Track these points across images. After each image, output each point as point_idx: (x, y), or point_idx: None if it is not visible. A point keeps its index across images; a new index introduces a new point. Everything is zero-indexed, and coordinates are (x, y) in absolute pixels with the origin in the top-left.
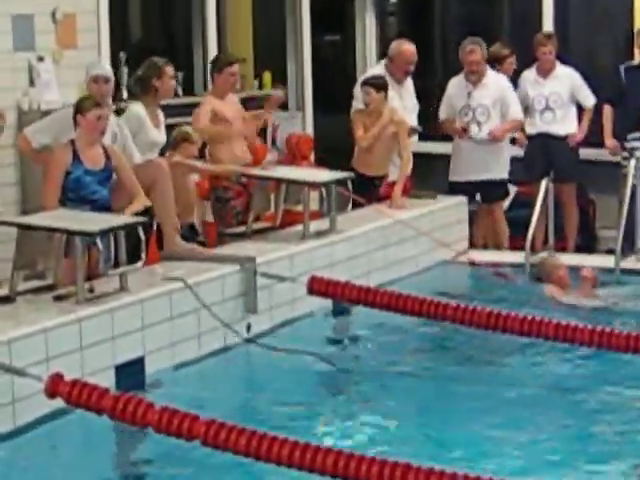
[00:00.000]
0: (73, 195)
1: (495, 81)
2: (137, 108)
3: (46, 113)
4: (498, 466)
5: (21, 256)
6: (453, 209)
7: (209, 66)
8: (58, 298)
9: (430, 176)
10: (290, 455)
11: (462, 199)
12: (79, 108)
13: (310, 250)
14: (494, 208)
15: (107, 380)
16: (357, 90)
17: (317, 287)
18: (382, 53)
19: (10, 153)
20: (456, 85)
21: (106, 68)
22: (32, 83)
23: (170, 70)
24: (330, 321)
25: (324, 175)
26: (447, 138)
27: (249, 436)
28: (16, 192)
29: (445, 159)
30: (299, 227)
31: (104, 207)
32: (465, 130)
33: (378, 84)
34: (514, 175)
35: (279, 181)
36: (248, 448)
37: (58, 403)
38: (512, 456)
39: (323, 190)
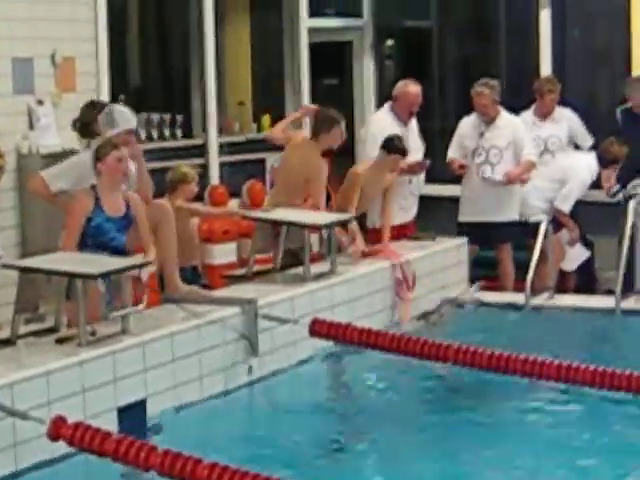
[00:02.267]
0: (92, 241)
1: (509, 122)
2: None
3: (46, 157)
4: None
5: (22, 299)
6: (453, 250)
7: None
8: (60, 341)
9: (433, 218)
10: None
11: (463, 241)
12: (98, 155)
13: (311, 292)
14: (502, 249)
15: (109, 422)
16: (369, 140)
17: (319, 329)
18: (381, 96)
19: (10, 196)
20: (469, 125)
21: (134, 121)
22: (31, 126)
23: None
24: (332, 363)
25: (325, 217)
26: (453, 180)
27: (252, 479)
28: (16, 235)
29: (449, 201)
30: (300, 269)
31: (121, 253)
32: (462, 167)
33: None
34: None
35: (279, 223)
36: None
37: (61, 447)
38: None
39: (324, 232)
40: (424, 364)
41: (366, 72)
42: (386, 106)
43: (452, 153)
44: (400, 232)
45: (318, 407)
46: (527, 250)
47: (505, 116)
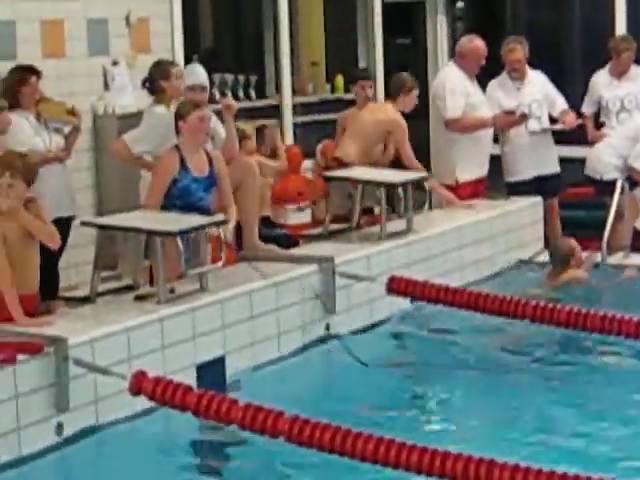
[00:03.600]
0: (180, 202)
1: (537, 76)
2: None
3: (121, 117)
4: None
5: (101, 257)
6: (528, 210)
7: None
8: (139, 298)
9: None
10: (375, 451)
11: (538, 199)
12: (179, 115)
13: (388, 250)
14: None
15: (188, 379)
16: (448, 96)
17: (396, 287)
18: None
19: (86, 157)
20: (501, 86)
21: (202, 77)
22: (107, 87)
23: (177, 71)
24: (409, 321)
25: (401, 175)
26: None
27: (334, 432)
28: (92, 195)
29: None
30: (376, 228)
31: (208, 212)
32: (524, 115)
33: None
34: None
35: (356, 182)
36: (332, 444)
37: (140, 402)
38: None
39: (400, 190)
40: (502, 321)
41: (439, 31)
42: (451, 64)
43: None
44: (475, 188)
45: (394, 365)
46: (604, 209)
47: (531, 71)
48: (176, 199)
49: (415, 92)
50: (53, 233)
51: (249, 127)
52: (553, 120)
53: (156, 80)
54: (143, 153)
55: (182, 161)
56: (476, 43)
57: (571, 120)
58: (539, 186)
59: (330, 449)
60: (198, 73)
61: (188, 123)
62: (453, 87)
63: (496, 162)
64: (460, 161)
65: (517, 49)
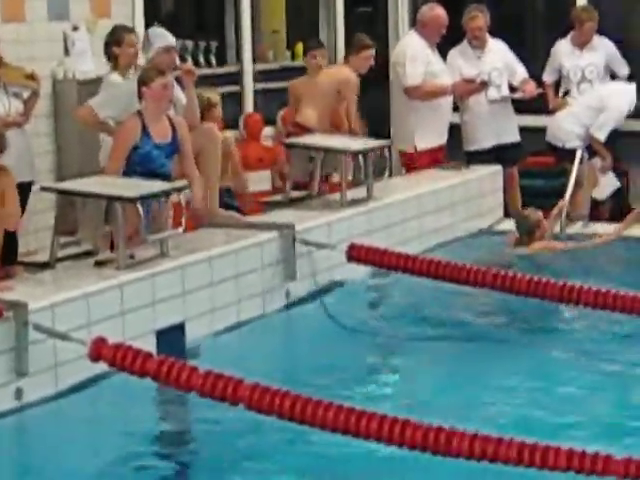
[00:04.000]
0: (141, 169)
1: (497, 46)
2: (114, 77)
3: (81, 83)
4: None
5: (61, 223)
6: (488, 178)
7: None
8: (99, 264)
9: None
10: (335, 419)
11: (498, 168)
12: (143, 80)
13: (348, 218)
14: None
15: (148, 345)
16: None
17: (357, 254)
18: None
19: (46, 122)
20: (462, 54)
21: (172, 38)
22: (67, 52)
23: (130, 38)
24: (367, 289)
25: (361, 143)
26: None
27: (293, 399)
28: (51, 161)
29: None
30: (336, 195)
31: (169, 179)
32: (484, 83)
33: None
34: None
35: (316, 149)
36: (292, 412)
37: (98, 368)
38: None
39: (360, 158)
40: (460, 289)
41: (400, 1)
42: (412, 32)
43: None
44: (434, 156)
45: (352, 332)
46: (564, 177)
47: (491, 40)
48: (137, 165)
49: (368, 52)
50: (13, 214)
51: (215, 95)
52: (513, 89)
53: (110, 46)
54: (108, 119)
55: (144, 127)
56: (437, 11)
57: (531, 89)
58: (499, 155)
59: (290, 417)
60: (167, 34)
61: (151, 89)
62: (414, 55)
63: (455, 131)
64: (419, 129)
65: (478, 17)
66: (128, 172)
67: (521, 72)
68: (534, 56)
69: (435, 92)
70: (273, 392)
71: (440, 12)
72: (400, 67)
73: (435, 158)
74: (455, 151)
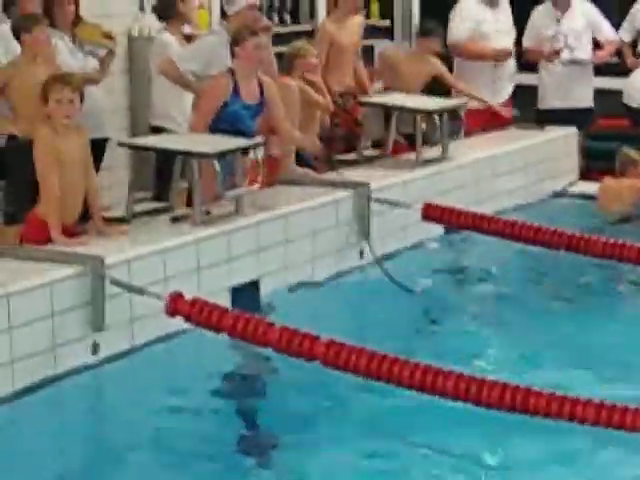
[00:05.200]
0: (227, 126)
1: (582, 6)
2: (166, 37)
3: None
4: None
5: (137, 178)
6: (562, 140)
7: None
8: (174, 220)
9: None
10: (411, 377)
11: (573, 130)
12: (236, 39)
13: (423, 177)
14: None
15: (222, 302)
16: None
17: (432, 213)
18: None
19: (121, 79)
20: (542, 13)
21: None
22: (142, 9)
23: None
24: (442, 248)
25: (437, 102)
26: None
27: (370, 357)
28: (126, 118)
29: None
30: (411, 155)
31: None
32: (557, 52)
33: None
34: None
35: (391, 109)
36: (369, 369)
37: (174, 324)
38: None
39: (436, 117)
40: (537, 250)
41: None
42: None
43: (527, 42)
44: (480, 117)
45: (426, 291)
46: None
47: (577, 1)
48: (224, 123)
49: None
50: None
51: (307, 45)
52: (599, 46)
53: (173, 3)
54: (188, 72)
55: (235, 86)
56: None
57: (601, 55)
58: (568, 117)
59: (366, 374)
60: None
61: (244, 49)
62: (461, 11)
63: (529, 92)
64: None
65: None
66: (213, 129)
67: (607, 31)
68: (609, 15)
69: (478, 53)
70: (349, 349)
71: None
72: (449, 22)
73: (484, 119)
74: (528, 112)
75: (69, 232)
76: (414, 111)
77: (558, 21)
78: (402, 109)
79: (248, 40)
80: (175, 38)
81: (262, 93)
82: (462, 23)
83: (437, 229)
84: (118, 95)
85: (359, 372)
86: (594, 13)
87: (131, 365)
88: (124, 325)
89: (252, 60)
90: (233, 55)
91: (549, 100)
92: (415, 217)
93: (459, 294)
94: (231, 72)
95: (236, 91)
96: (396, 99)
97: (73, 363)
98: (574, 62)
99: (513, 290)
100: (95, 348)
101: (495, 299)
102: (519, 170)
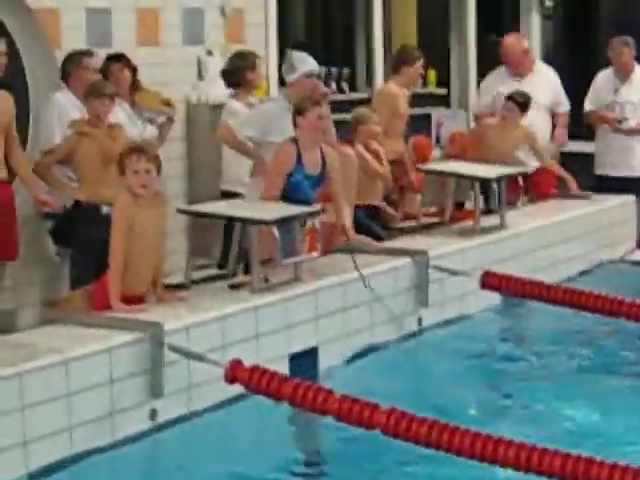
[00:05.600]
0: (289, 195)
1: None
2: (234, 105)
3: (214, 107)
4: None
5: (196, 245)
6: (620, 208)
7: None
8: (233, 287)
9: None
10: (472, 446)
11: (631, 198)
12: (299, 109)
13: (481, 245)
14: None
15: (281, 369)
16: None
17: (490, 282)
18: (547, 53)
19: (179, 146)
20: (605, 79)
21: (314, 62)
22: (200, 77)
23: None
24: (501, 317)
25: (495, 170)
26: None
27: (430, 426)
28: (183, 185)
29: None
30: (468, 222)
31: None
32: (619, 121)
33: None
34: None
35: (449, 175)
36: (429, 438)
37: (231, 390)
38: None
39: (494, 185)
40: (599, 318)
41: (533, 29)
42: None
43: (588, 106)
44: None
45: (487, 360)
46: None
47: (638, 69)
48: (285, 192)
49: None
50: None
51: (369, 112)
52: None
53: (242, 71)
54: (247, 139)
55: (298, 155)
56: (507, 41)
57: None
58: (626, 185)
59: (426, 443)
60: (310, 59)
61: (307, 119)
62: (483, 86)
63: (581, 159)
64: None
65: (624, 52)
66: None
67: None
68: None
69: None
70: (410, 417)
71: (509, 41)
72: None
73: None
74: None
75: (139, 300)
76: (472, 178)
77: (616, 90)
78: (460, 176)
79: (311, 110)
80: (242, 105)
81: (324, 163)
82: (481, 98)
83: (495, 297)
84: (175, 161)
85: (420, 441)
86: None
87: (189, 431)
88: (182, 391)
89: (315, 130)
90: (295, 125)
91: (605, 167)
92: (473, 285)
93: (519, 361)
94: (295, 141)
95: (299, 161)
96: (454, 166)
97: (131, 430)
98: (632, 132)
99: (574, 357)
100: (153, 414)
101: (556, 365)
102: (576, 238)
